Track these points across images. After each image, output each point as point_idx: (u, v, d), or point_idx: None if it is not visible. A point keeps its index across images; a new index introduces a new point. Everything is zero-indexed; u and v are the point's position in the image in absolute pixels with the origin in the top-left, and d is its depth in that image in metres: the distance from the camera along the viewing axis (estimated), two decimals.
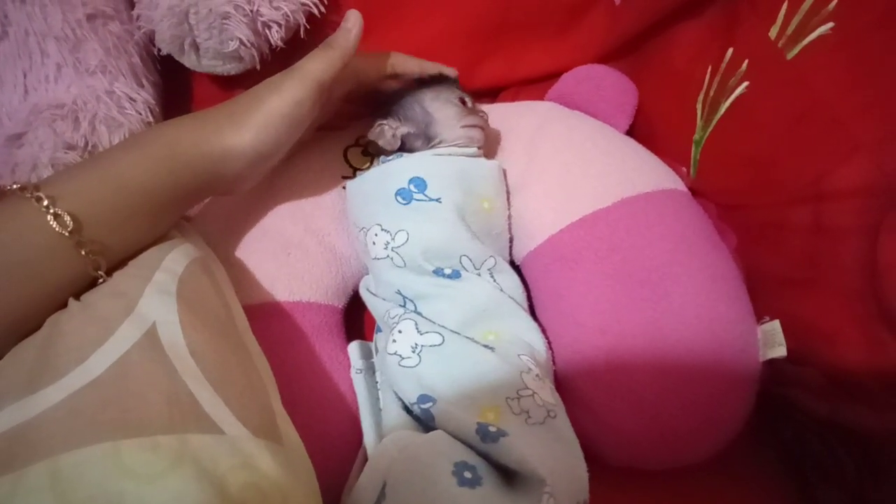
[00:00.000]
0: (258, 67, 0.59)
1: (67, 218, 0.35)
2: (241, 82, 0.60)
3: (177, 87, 0.65)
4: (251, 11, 0.54)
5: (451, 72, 0.55)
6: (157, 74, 0.62)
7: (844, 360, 0.41)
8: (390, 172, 0.50)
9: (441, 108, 0.52)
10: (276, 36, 0.56)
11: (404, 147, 0.52)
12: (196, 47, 0.57)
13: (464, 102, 0.53)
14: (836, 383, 0.42)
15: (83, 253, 0.36)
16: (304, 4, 0.57)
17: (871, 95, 0.39)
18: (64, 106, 0.52)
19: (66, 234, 0.35)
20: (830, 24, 0.40)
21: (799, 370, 0.44)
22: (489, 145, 0.55)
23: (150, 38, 0.58)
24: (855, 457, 0.42)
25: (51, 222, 0.34)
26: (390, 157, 0.52)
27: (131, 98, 0.55)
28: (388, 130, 0.51)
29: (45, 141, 0.51)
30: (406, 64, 0.54)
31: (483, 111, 0.54)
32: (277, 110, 0.44)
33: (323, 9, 0.58)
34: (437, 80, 0.54)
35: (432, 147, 0.52)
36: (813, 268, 0.43)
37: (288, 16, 0.56)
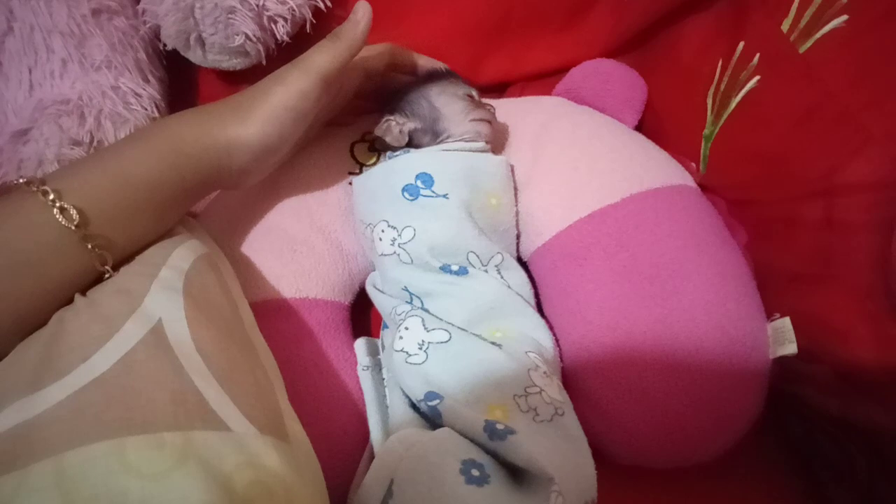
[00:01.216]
0: (264, 62, 0.58)
1: (73, 212, 0.35)
2: (246, 77, 0.60)
3: (182, 83, 0.65)
4: (257, 6, 0.54)
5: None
6: (162, 70, 0.61)
7: (855, 357, 0.40)
8: (397, 168, 0.49)
9: (448, 103, 0.52)
10: (281, 31, 0.56)
11: (411, 143, 0.52)
12: (202, 42, 0.56)
13: (470, 96, 0.53)
14: (846, 380, 0.42)
15: (89, 247, 0.35)
16: None
17: (882, 88, 0.39)
18: (69, 102, 0.52)
19: (73, 227, 0.35)
20: (844, 17, 0.40)
21: (809, 367, 0.44)
22: (496, 140, 0.55)
23: (156, 34, 0.58)
24: (866, 455, 0.42)
25: (57, 216, 0.34)
26: (397, 153, 0.52)
27: (137, 93, 0.55)
28: (395, 126, 0.51)
29: (51, 137, 0.51)
30: (403, 56, 0.55)
31: (490, 105, 0.54)
32: (282, 102, 0.43)
33: (329, 3, 0.57)
34: (442, 75, 0.53)
35: (440, 142, 0.51)
36: (824, 264, 0.43)
37: (294, 10, 0.55)
